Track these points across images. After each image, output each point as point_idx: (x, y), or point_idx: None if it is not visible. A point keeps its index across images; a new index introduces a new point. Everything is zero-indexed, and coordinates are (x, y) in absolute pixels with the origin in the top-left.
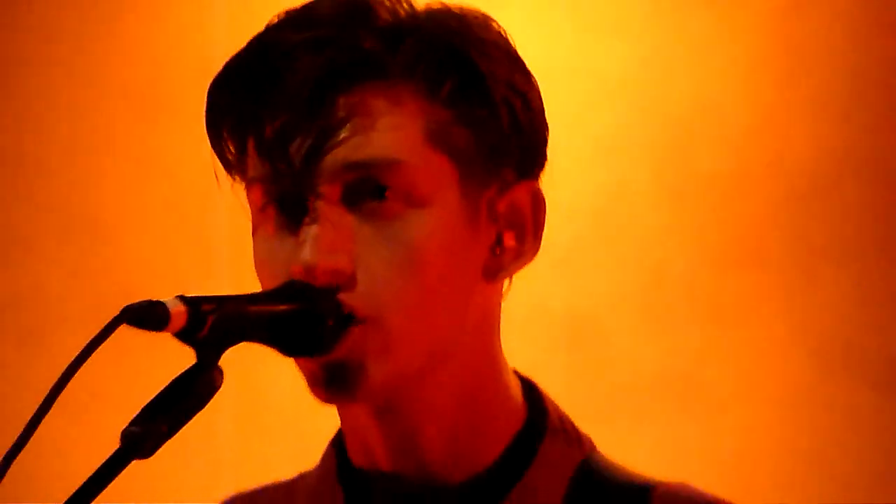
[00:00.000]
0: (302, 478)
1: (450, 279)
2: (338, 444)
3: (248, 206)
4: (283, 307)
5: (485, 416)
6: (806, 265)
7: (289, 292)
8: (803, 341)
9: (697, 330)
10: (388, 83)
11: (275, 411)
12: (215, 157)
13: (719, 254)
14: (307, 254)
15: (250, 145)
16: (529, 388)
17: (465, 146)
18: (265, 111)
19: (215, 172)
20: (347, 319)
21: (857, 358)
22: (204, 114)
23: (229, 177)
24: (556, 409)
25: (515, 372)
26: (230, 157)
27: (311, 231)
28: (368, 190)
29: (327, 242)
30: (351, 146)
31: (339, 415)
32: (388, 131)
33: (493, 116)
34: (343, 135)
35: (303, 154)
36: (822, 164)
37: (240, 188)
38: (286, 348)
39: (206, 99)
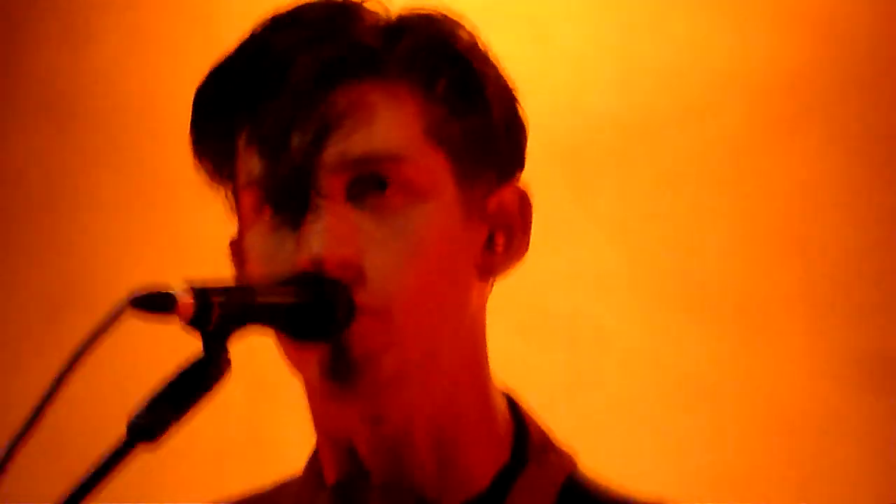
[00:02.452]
0: (285, 486)
1: (451, 273)
2: (314, 462)
3: (233, 213)
4: (293, 300)
5: (473, 427)
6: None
7: (300, 283)
8: (806, 343)
9: (698, 331)
10: (385, 80)
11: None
12: (199, 167)
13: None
14: (316, 246)
15: (244, 148)
16: (511, 401)
17: (459, 141)
18: (262, 109)
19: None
20: (356, 311)
21: (858, 360)
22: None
23: (214, 188)
24: (536, 424)
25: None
26: (219, 165)
27: (317, 225)
28: (370, 184)
29: (335, 235)
30: (353, 140)
31: (320, 429)
32: (389, 126)
33: (485, 113)
34: (344, 128)
35: (303, 147)
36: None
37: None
38: (294, 334)
39: (192, 107)
